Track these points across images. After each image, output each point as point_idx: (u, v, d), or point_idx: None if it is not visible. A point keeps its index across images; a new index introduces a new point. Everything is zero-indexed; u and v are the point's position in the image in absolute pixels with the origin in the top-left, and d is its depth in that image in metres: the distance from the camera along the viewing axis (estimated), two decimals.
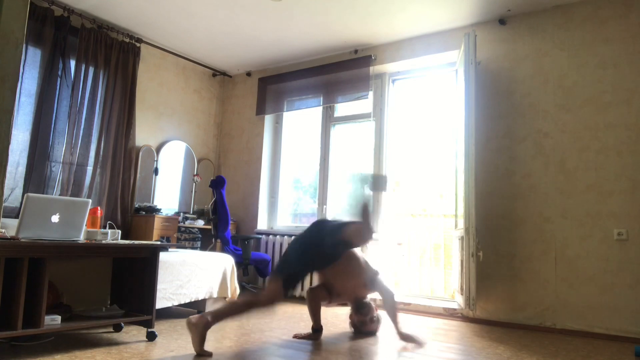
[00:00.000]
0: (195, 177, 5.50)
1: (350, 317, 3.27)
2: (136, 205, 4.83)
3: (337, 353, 2.65)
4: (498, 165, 4.05)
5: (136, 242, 2.88)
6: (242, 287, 4.35)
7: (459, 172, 4.10)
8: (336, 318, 3.83)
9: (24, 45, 2.93)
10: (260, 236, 5.22)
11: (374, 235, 2.83)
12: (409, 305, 4.34)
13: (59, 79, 4.28)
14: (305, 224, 5.41)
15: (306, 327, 3.40)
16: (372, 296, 3.29)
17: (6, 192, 3.74)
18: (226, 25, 4.67)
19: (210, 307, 3.63)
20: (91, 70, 4.52)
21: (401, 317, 2.94)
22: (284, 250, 5.02)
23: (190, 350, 2.54)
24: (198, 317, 2.50)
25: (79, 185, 4.38)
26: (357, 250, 3.10)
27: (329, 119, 5.31)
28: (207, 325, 2.49)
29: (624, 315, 3.41)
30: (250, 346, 2.73)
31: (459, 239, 4.01)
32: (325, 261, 2.84)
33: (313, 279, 3.23)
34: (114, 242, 2.62)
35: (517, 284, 3.83)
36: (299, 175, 5.70)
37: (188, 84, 5.62)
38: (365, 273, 3.05)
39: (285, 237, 5.06)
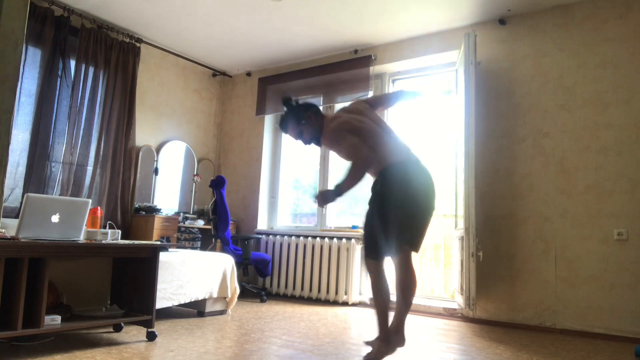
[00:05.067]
0: (195, 177, 5.50)
1: None
2: (136, 205, 4.83)
3: (337, 353, 2.65)
4: (498, 165, 4.05)
5: (136, 242, 2.88)
6: (242, 287, 4.35)
7: (459, 172, 4.10)
8: (336, 318, 3.83)
9: (24, 45, 2.93)
10: (260, 236, 5.22)
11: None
12: None
13: (59, 79, 4.28)
14: (306, 224, 5.42)
15: (306, 327, 3.40)
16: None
17: (6, 192, 3.74)
18: (226, 25, 4.67)
19: (210, 307, 3.63)
20: (91, 70, 4.52)
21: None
22: (283, 250, 5.04)
23: (190, 350, 2.54)
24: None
25: (79, 185, 4.38)
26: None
27: None
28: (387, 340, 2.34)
29: (624, 315, 3.41)
30: (250, 346, 2.73)
31: (459, 239, 4.01)
32: None
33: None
34: (114, 242, 2.62)
35: (517, 284, 3.83)
36: (299, 175, 5.70)
37: (188, 84, 5.62)
38: None
39: (285, 237, 5.06)
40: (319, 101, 5.28)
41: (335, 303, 4.61)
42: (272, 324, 3.43)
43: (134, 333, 2.86)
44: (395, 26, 4.48)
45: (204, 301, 3.59)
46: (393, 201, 2.32)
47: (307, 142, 2.65)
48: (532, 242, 3.82)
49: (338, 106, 5.27)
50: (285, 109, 2.65)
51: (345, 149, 2.40)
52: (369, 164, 2.34)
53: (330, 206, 5.17)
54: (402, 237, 2.32)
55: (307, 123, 2.58)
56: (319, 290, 4.72)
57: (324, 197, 2.41)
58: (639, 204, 3.47)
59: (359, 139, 2.37)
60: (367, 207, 2.46)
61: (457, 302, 4.10)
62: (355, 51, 5.01)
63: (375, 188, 2.44)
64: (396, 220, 2.31)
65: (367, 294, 4.56)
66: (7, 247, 2.11)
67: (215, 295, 3.58)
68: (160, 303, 3.06)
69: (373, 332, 2.46)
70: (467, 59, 3.84)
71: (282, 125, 2.67)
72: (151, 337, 2.70)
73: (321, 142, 2.63)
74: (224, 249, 4.57)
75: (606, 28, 3.74)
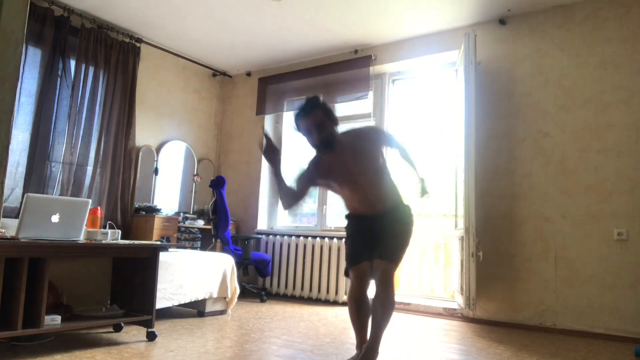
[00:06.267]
0: (195, 177, 5.50)
1: None
2: (136, 205, 4.83)
3: (337, 353, 2.65)
4: (498, 165, 4.05)
5: (136, 242, 2.88)
6: (242, 287, 4.35)
7: (459, 172, 4.10)
8: (336, 318, 3.83)
9: (24, 45, 2.93)
10: (260, 236, 5.22)
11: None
12: (409, 305, 4.34)
13: (59, 79, 4.28)
14: (306, 224, 5.41)
15: (306, 327, 3.40)
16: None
17: (6, 192, 3.74)
18: (226, 25, 4.67)
19: (210, 307, 3.63)
20: (91, 70, 4.52)
21: None
22: (283, 250, 5.04)
23: (190, 350, 2.54)
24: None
25: (79, 185, 4.38)
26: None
27: None
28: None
29: (624, 315, 3.41)
30: (250, 346, 2.73)
31: (459, 239, 4.01)
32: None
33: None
34: (114, 242, 2.62)
35: (517, 284, 3.83)
36: (299, 175, 5.69)
37: (188, 84, 5.62)
38: None
39: (285, 237, 5.06)
40: None
41: (335, 303, 4.61)
42: (272, 324, 3.43)
43: (134, 333, 2.86)
44: (395, 26, 4.48)
45: (204, 301, 3.59)
46: (409, 234, 2.39)
47: (327, 138, 2.31)
48: (532, 242, 3.82)
49: (338, 106, 5.27)
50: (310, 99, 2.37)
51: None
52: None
53: (330, 206, 5.15)
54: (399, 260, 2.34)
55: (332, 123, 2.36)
56: (319, 290, 4.72)
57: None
58: (639, 204, 3.47)
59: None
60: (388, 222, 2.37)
61: (457, 302, 4.10)
62: (355, 51, 5.01)
63: (397, 215, 2.39)
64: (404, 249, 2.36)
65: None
66: (7, 247, 2.11)
67: (215, 295, 3.58)
68: (160, 303, 3.06)
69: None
70: (467, 59, 3.84)
71: (306, 108, 2.32)
72: (151, 337, 2.70)
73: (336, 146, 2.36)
74: (224, 249, 4.57)
75: (606, 28, 3.74)
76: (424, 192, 2.52)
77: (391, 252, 2.29)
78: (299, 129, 2.37)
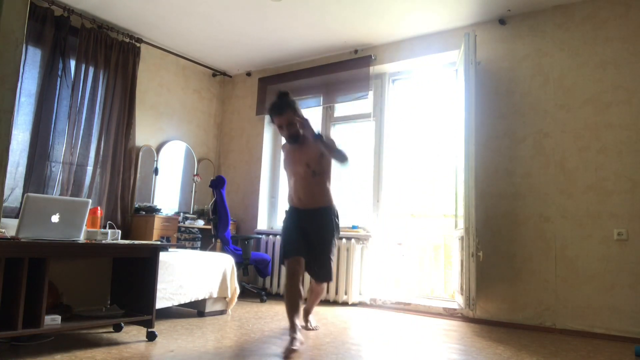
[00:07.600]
0: (195, 177, 5.50)
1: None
2: (136, 205, 4.83)
3: (337, 353, 2.65)
4: (498, 165, 4.05)
5: (136, 242, 2.88)
6: (242, 287, 4.35)
7: (459, 172, 4.10)
8: (336, 318, 3.83)
9: (24, 45, 2.93)
10: (260, 236, 5.22)
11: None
12: (409, 305, 4.34)
13: (59, 79, 4.29)
14: None
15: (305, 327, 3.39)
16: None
17: (6, 192, 3.74)
18: (226, 25, 4.67)
19: (210, 307, 3.63)
20: (91, 70, 4.52)
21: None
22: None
23: (190, 350, 2.54)
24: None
25: (79, 185, 4.38)
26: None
27: (329, 119, 5.31)
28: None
29: (624, 315, 3.41)
30: (250, 346, 2.73)
31: (459, 239, 4.01)
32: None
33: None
34: (114, 242, 2.62)
35: (517, 284, 3.83)
36: None
37: (188, 84, 5.62)
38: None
39: None
40: (319, 101, 5.29)
41: (335, 303, 4.61)
42: (272, 324, 3.43)
43: (134, 333, 2.86)
44: (395, 26, 4.48)
45: (204, 301, 3.58)
46: (336, 233, 3.07)
47: (294, 134, 2.90)
48: (532, 242, 3.82)
49: (338, 106, 5.27)
50: (283, 98, 2.92)
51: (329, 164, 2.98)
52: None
53: None
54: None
55: (302, 119, 2.90)
56: None
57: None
58: (639, 204, 3.47)
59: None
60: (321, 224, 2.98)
61: (457, 302, 4.10)
62: (355, 51, 5.01)
63: (333, 217, 3.02)
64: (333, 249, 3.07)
65: (368, 294, 4.56)
66: (7, 247, 2.11)
67: (215, 295, 3.58)
68: (160, 303, 3.06)
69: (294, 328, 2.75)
70: (467, 59, 3.84)
71: (281, 109, 2.84)
72: (151, 337, 2.70)
73: (301, 141, 2.96)
74: (224, 249, 4.57)
75: (606, 28, 3.74)
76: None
77: (327, 274, 3.05)
78: (272, 122, 2.94)
